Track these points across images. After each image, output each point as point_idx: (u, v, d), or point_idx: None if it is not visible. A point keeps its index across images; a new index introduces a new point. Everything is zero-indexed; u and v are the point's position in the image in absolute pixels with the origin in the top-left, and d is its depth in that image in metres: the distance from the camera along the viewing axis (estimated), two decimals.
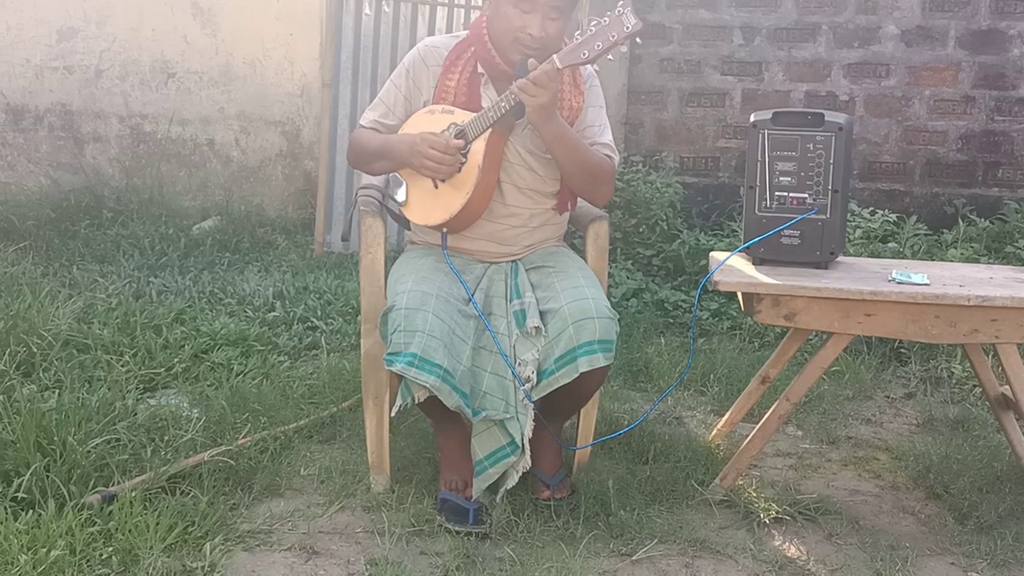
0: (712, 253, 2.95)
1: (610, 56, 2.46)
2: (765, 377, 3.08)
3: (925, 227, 4.86)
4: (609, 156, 2.73)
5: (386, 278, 2.73)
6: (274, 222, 5.64)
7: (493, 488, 2.61)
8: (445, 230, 2.72)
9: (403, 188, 2.75)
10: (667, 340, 4.09)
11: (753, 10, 5.60)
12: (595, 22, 2.43)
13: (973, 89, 5.48)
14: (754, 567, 2.46)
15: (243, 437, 2.91)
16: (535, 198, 2.76)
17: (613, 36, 2.41)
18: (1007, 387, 2.83)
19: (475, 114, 2.60)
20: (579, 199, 2.90)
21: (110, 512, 2.41)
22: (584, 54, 2.44)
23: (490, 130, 2.58)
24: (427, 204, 2.71)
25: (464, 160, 2.60)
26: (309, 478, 2.81)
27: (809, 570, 2.45)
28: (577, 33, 2.46)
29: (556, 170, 2.70)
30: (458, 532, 2.52)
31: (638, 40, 2.44)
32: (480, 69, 2.69)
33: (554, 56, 2.46)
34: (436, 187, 2.68)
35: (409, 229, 2.95)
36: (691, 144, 5.77)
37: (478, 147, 2.60)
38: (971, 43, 5.44)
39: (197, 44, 5.78)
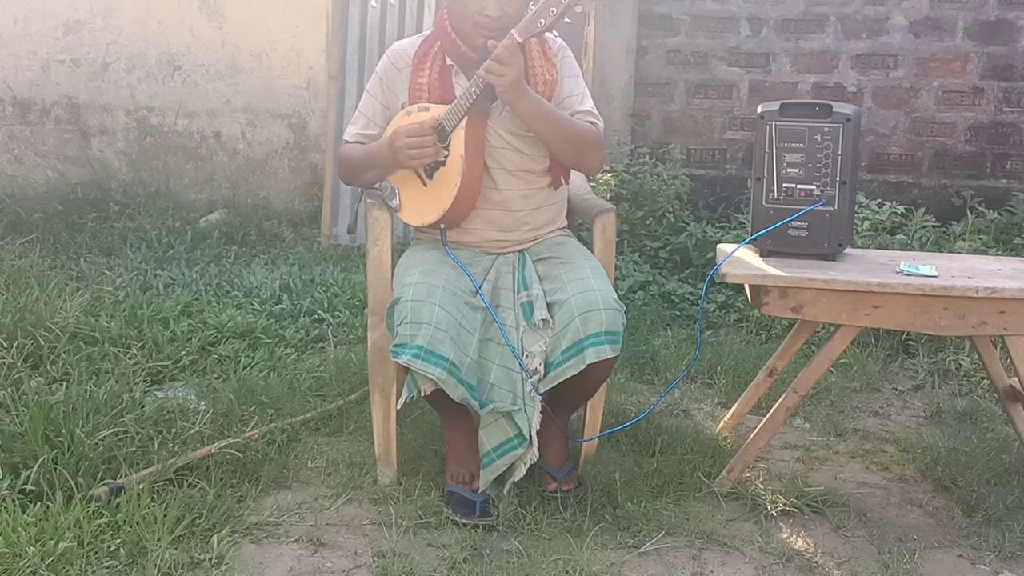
0: (719, 245, 2.95)
1: (567, 19, 2.46)
2: (772, 369, 3.07)
3: (933, 219, 4.84)
4: (592, 123, 2.72)
5: (393, 270, 2.73)
6: (280, 215, 5.65)
7: (500, 480, 2.61)
8: (443, 226, 2.71)
9: (395, 194, 2.75)
10: (674, 332, 4.09)
11: (760, 1, 5.58)
12: None
13: (982, 80, 5.45)
14: (761, 559, 2.46)
15: (250, 429, 2.92)
16: (527, 178, 2.75)
17: None
18: (1015, 379, 2.82)
19: (449, 106, 2.60)
20: (580, 185, 2.89)
21: (118, 504, 2.42)
22: (541, 22, 2.43)
23: (466, 118, 2.58)
24: (420, 204, 2.71)
25: (447, 152, 2.60)
26: (316, 470, 2.82)
27: (816, 562, 2.45)
28: (532, 4, 2.46)
29: (542, 147, 2.70)
30: (465, 524, 2.52)
31: None
32: (449, 61, 2.70)
33: (512, 31, 2.46)
34: (425, 186, 2.68)
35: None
36: (698, 136, 5.76)
37: (458, 137, 2.60)
38: (979, 34, 5.42)
39: (203, 37, 5.77)
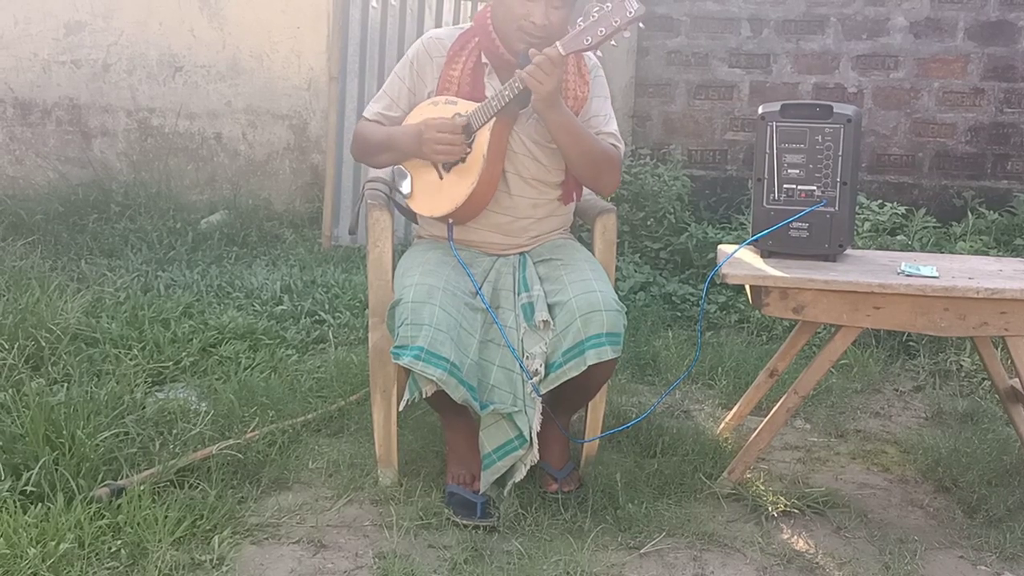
0: (720, 246, 2.95)
1: (613, 42, 2.46)
2: (773, 370, 3.07)
3: (934, 220, 4.84)
4: (615, 145, 2.73)
5: (393, 271, 2.73)
6: (281, 216, 5.65)
7: (501, 481, 2.61)
8: (451, 221, 2.71)
9: (408, 180, 2.75)
10: (675, 333, 4.08)
11: (761, 2, 5.59)
12: (598, 8, 2.42)
13: (982, 81, 5.45)
14: (762, 560, 2.46)
15: (251, 431, 2.92)
16: (540, 188, 2.75)
17: (616, 21, 2.40)
18: (1016, 380, 2.82)
19: (479, 104, 2.60)
20: (585, 190, 2.89)
21: (119, 505, 2.42)
22: (587, 40, 2.44)
23: (494, 119, 2.58)
24: (433, 195, 2.71)
25: (469, 149, 2.61)
26: (317, 471, 2.82)
27: (817, 563, 2.45)
28: (580, 19, 2.46)
29: (561, 160, 2.70)
30: (466, 525, 2.52)
31: (641, 25, 2.43)
32: (484, 59, 2.70)
33: (557, 43, 2.46)
34: (441, 178, 2.68)
35: (416, 223, 2.95)
36: (699, 137, 5.76)
37: (483, 136, 2.59)
38: (980, 35, 5.42)
39: (204, 38, 5.78)
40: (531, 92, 2.50)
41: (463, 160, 2.63)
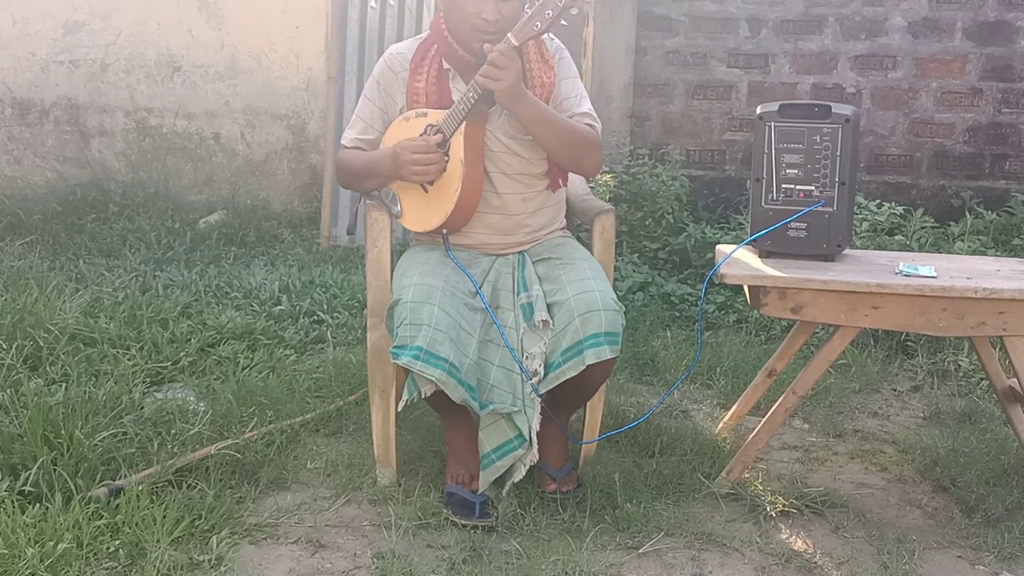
0: (718, 246, 2.95)
1: (563, 21, 2.46)
2: (771, 370, 3.07)
3: (932, 220, 4.84)
4: (591, 124, 2.71)
5: (392, 272, 2.74)
6: (280, 216, 5.65)
7: (499, 481, 2.61)
8: (445, 231, 2.71)
9: (397, 200, 2.75)
10: (673, 333, 4.08)
11: (759, 2, 5.59)
12: None
13: (980, 81, 5.46)
14: (760, 560, 2.46)
15: (249, 431, 2.92)
16: (526, 182, 2.75)
17: (561, 1, 2.40)
18: (1014, 380, 2.82)
19: (447, 111, 2.60)
20: (583, 187, 2.89)
21: (117, 505, 2.42)
22: (537, 26, 2.44)
23: (464, 123, 2.58)
24: (421, 210, 2.71)
25: (447, 157, 2.61)
26: (315, 471, 2.82)
27: (816, 563, 2.45)
28: (527, 7, 2.46)
29: (540, 150, 2.70)
30: (464, 525, 2.52)
31: None
32: (446, 65, 2.69)
33: (508, 35, 2.46)
34: (426, 191, 2.68)
35: None
36: (697, 137, 5.76)
37: (457, 142, 2.60)
38: (978, 35, 5.42)
39: (202, 38, 5.78)
40: None
41: (444, 169, 2.62)
